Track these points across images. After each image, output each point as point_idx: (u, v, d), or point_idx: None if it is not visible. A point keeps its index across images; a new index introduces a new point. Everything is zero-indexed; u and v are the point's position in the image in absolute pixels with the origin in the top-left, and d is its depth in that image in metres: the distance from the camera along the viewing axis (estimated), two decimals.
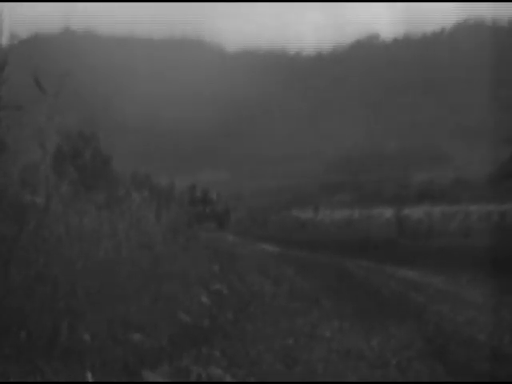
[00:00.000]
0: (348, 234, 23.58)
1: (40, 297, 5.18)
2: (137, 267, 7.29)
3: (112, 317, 5.85)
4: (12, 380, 4.45)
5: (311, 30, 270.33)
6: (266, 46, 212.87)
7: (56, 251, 5.57)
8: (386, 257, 15.13)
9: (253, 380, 5.43)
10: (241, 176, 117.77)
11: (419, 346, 6.43)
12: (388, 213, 25.18)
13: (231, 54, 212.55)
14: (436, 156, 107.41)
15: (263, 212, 43.07)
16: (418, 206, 30.87)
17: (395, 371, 5.58)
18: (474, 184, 46.10)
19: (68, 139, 31.09)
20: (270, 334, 7.23)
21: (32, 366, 4.68)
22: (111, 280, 6.35)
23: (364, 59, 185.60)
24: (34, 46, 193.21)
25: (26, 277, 5.21)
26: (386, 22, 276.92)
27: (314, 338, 7.01)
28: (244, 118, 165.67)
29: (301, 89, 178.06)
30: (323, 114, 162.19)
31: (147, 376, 5.15)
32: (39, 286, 5.23)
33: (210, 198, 38.06)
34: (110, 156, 35.37)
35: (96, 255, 6.33)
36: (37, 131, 6.37)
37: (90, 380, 4.74)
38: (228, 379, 5.43)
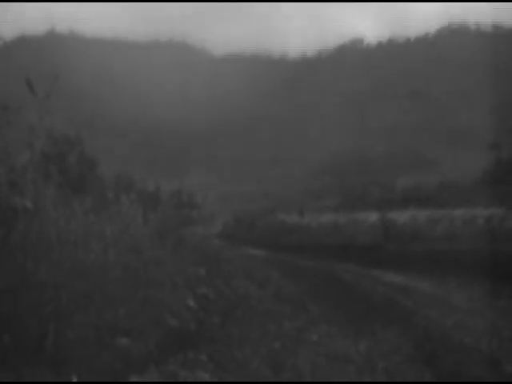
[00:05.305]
0: (334, 238, 23.36)
1: (26, 301, 5.12)
2: (124, 271, 7.24)
3: (99, 321, 5.81)
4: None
5: (296, 35, 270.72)
6: (251, 49, 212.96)
7: (44, 255, 5.51)
8: (372, 261, 15.08)
9: None
10: (227, 180, 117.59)
11: (407, 351, 6.43)
12: (374, 217, 24.95)
13: (217, 57, 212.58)
14: (422, 160, 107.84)
15: (249, 216, 42.90)
16: (404, 210, 30.78)
17: (383, 375, 5.57)
18: (459, 188, 46.28)
19: (52, 141, 30.82)
20: (256, 337, 7.20)
21: (18, 371, 4.63)
22: (98, 284, 6.30)
23: (349, 63, 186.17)
24: (20, 48, 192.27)
25: (12, 280, 5.16)
26: (369, 27, 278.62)
27: (301, 342, 6.99)
28: (230, 122, 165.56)
29: (286, 92, 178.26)
30: (309, 118, 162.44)
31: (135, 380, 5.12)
32: (26, 289, 5.17)
33: (195, 202, 38.04)
34: (95, 160, 34.95)
35: (84, 259, 6.27)
36: (27, 131, 6.30)
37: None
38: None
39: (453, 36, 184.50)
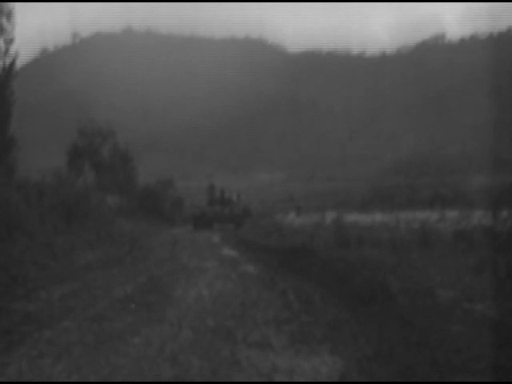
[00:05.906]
0: (293, 239, 20.47)
1: None
2: None
3: None
4: None
5: (375, 31, 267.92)
6: (328, 46, 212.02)
7: None
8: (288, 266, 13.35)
9: None
10: (296, 177, 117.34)
11: None
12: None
13: (292, 54, 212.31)
14: (498, 160, 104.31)
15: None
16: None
17: None
18: None
19: (83, 135, 31.41)
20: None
21: None
22: None
23: (428, 60, 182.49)
24: (95, 45, 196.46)
25: None
26: (451, 23, 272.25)
27: None
28: (304, 118, 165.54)
29: (362, 91, 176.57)
30: (385, 116, 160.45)
31: None
32: None
33: (228, 199, 37.57)
34: (129, 152, 34.86)
35: None
36: None
37: None
38: None
39: None
